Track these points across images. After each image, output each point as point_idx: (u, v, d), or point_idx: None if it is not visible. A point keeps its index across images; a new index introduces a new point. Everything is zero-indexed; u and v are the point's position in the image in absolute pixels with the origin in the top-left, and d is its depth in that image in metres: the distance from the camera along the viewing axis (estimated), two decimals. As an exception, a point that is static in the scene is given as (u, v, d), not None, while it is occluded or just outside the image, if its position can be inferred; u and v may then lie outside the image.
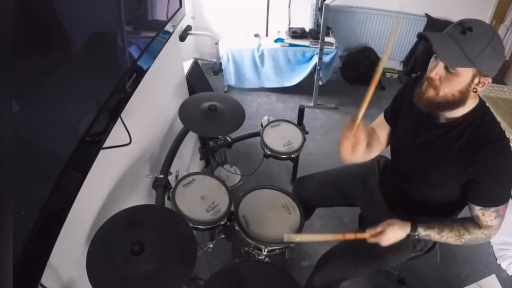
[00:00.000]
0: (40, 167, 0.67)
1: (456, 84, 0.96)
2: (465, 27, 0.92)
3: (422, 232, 1.09)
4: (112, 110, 0.92)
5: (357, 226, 1.65)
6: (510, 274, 1.91)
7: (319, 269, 1.34)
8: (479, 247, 2.05)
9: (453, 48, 0.92)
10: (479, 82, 0.95)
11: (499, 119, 2.10)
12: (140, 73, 1.10)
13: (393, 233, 1.09)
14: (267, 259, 1.25)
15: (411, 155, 1.18)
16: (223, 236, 1.41)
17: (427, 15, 3.45)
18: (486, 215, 1.03)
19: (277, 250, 1.21)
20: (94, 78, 0.86)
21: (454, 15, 3.45)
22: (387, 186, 1.32)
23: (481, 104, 1.03)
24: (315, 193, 1.50)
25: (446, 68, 0.95)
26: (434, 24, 3.43)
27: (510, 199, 1.07)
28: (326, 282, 1.34)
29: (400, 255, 1.26)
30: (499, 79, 3.70)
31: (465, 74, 0.94)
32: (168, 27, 1.39)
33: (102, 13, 0.87)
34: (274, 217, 1.19)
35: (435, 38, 0.95)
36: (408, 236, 1.10)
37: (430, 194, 1.16)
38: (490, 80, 0.96)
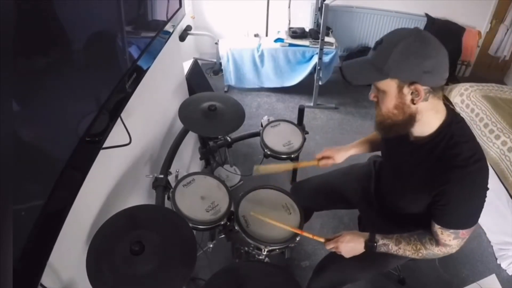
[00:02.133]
0: (40, 167, 0.67)
1: (389, 101, 0.93)
2: (377, 42, 0.92)
3: (380, 241, 1.08)
4: (112, 110, 0.92)
5: (357, 227, 1.65)
6: (510, 274, 1.91)
7: (321, 272, 1.33)
8: (479, 247, 2.05)
9: (365, 67, 0.92)
10: (411, 92, 0.89)
11: (498, 119, 2.10)
12: (140, 73, 1.10)
13: (351, 239, 1.10)
14: (267, 259, 1.25)
15: (389, 169, 1.21)
16: (223, 236, 1.41)
17: (427, 15, 3.46)
18: (445, 235, 1.00)
19: (277, 250, 1.21)
20: (94, 78, 0.86)
21: (454, 15, 3.45)
22: (381, 190, 1.32)
23: (449, 122, 0.95)
24: (312, 198, 1.49)
25: (376, 88, 0.95)
26: (434, 24, 3.43)
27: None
28: (327, 285, 1.33)
29: (401, 258, 1.26)
30: (499, 79, 3.70)
31: (389, 87, 0.91)
32: (168, 27, 1.39)
33: (102, 13, 0.87)
34: (274, 217, 1.19)
35: (348, 64, 0.98)
36: (366, 245, 1.09)
37: (409, 209, 1.12)
38: (420, 88, 0.88)
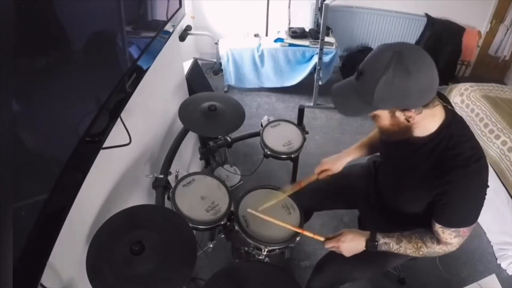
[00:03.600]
0: (40, 167, 0.67)
1: (384, 122, 0.97)
2: (359, 71, 0.92)
3: (381, 239, 1.08)
4: (112, 110, 0.92)
5: (357, 227, 1.65)
6: (510, 274, 1.91)
7: (320, 271, 1.33)
8: (479, 247, 2.05)
9: (352, 99, 0.93)
10: (404, 114, 0.92)
11: (499, 119, 2.10)
12: (140, 73, 1.10)
13: (352, 238, 1.10)
14: (267, 259, 1.25)
15: (388, 169, 1.21)
16: (223, 236, 1.41)
17: (427, 15, 3.46)
18: (446, 233, 1.01)
19: (277, 250, 1.21)
20: (94, 78, 0.86)
21: (454, 15, 3.45)
22: (381, 188, 1.32)
23: (447, 124, 0.96)
24: (312, 198, 1.49)
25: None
26: (434, 24, 3.43)
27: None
28: (327, 284, 1.33)
29: (401, 257, 1.26)
30: (499, 79, 3.70)
31: (381, 113, 0.95)
32: (168, 27, 1.39)
33: (102, 13, 0.87)
34: (274, 217, 1.19)
35: (337, 94, 0.99)
36: (367, 244, 1.09)
37: (409, 209, 1.13)
38: (411, 112, 0.90)
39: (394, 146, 1.10)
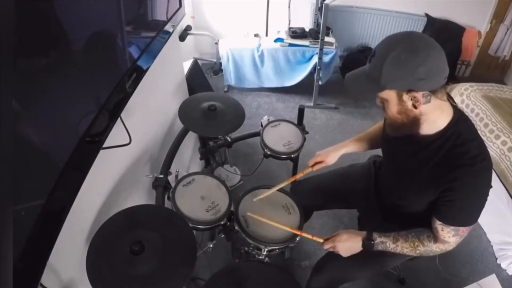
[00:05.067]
0: (40, 167, 0.67)
1: (392, 107, 0.97)
2: (372, 54, 0.94)
3: (377, 239, 1.09)
4: (112, 110, 0.92)
5: (357, 227, 1.65)
6: (510, 274, 1.91)
7: (319, 271, 1.33)
8: (479, 247, 2.05)
9: (364, 82, 0.95)
10: (411, 98, 0.92)
11: (499, 119, 2.10)
12: (140, 73, 1.10)
13: (348, 238, 1.11)
14: (267, 259, 1.25)
15: (391, 168, 1.21)
16: (223, 236, 1.41)
17: (427, 15, 3.46)
18: (445, 231, 1.01)
19: (277, 250, 1.21)
20: (94, 78, 0.86)
21: (454, 15, 3.45)
22: (381, 188, 1.32)
23: (456, 121, 0.97)
24: (312, 197, 1.49)
25: (379, 96, 0.98)
26: (434, 24, 3.43)
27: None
28: (325, 284, 1.33)
29: (400, 257, 1.26)
30: (499, 79, 3.70)
31: (389, 96, 0.95)
32: (168, 27, 1.39)
33: (102, 13, 0.87)
34: (274, 217, 1.19)
35: (348, 78, 1.00)
36: (363, 244, 1.10)
37: (410, 208, 1.14)
38: (418, 94, 0.89)
39: (399, 145, 1.10)
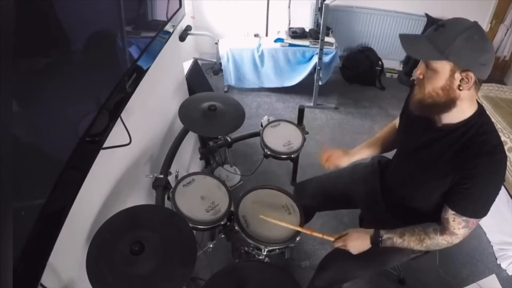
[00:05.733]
0: (40, 167, 0.67)
1: (437, 81, 0.95)
2: (439, 25, 0.94)
3: (384, 235, 1.10)
4: (112, 110, 0.92)
5: (357, 227, 1.65)
6: (510, 274, 1.91)
7: (321, 270, 1.34)
8: (479, 247, 2.05)
9: (424, 45, 0.94)
10: (462, 78, 0.93)
11: (498, 119, 2.10)
12: (140, 73, 1.10)
13: (358, 237, 1.13)
14: (267, 259, 1.25)
15: (406, 159, 1.20)
16: (223, 236, 1.41)
17: (427, 15, 3.46)
18: (456, 222, 1.02)
19: (277, 250, 1.21)
20: (94, 78, 0.86)
21: (454, 15, 3.39)
22: (388, 188, 1.32)
23: (480, 112, 1.01)
24: (315, 198, 1.49)
25: (427, 66, 0.96)
26: (434, 24, 3.43)
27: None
28: (328, 283, 1.34)
29: (402, 256, 1.26)
30: (499, 79, 3.70)
31: (442, 68, 0.93)
32: (168, 27, 1.39)
33: (102, 13, 0.87)
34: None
35: (407, 38, 0.99)
36: (372, 241, 1.11)
37: (421, 203, 1.15)
38: (471, 75, 0.91)
39: (418, 134, 1.11)
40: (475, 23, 0.92)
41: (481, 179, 0.97)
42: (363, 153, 1.37)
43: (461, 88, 0.93)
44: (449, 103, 0.97)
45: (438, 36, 0.93)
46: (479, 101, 1.04)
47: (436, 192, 1.07)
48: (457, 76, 0.93)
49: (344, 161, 1.34)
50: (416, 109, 1.03)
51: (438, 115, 1.02)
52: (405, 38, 0.98)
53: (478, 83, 0.94)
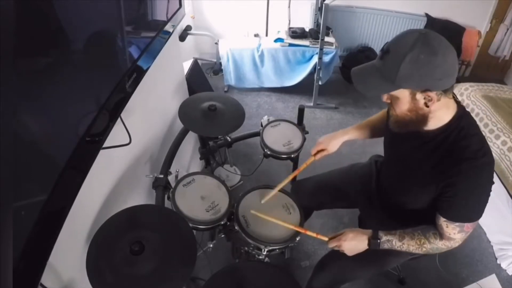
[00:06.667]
0: (40, 167, 0.67)
1: (402, 105, 0.96)
2: (384, 51, 0.92)
3: (383, 237, 1.08)
4: (112, 110, 0.92)
5: (357, 226, 1.65)
6: (510, 274, 1.91)
7: (320, 270, 1.33)
8: (479, 247, 2.05)
9: (374, 79, 0.93)
10: (424, 97, 0.91)
11: (499, 118, 2.10)
12: (140, 73, 1.10)
13: (353, 237, 1.10)
14: (267, 259, 1.25)
15: (393, 166, 1.20)
16: (223, 236, 1.41)
17: (427, 15, 3.46)
18: (450, 228, 1.01)
19: (277, 250, 1.21)
20: (94, 78, 0.86)
21: (454, 15, 3.45)
22: (383, 189, 1.32)
23: (460, 115, 0.98)
24: (313, 197, 1.49)
25: (389, 94, 0.97)
26: (434, 24, 3.43)
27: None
28: (327, 283, 1.33)
29: (402, 256, 1.26)
30: (499, 79, 3.70)
31: (402, 94, 0.93)
32: (168, 27, 1.39)
33: (102, 13, 0.87)
34: (277, 217, 1.19)
35: (358, 73, 0.98)
36: (369, 242, 1.09)
37: (413, 205, 1.14)
38: (433, 93, 0.90)
39: (402, 141, 1.10)
40: (421, 35, 0.86)
41: (463, 185, 0.95)
42: (351, 134, 1.34)
43: (427, 105, 0.93)
44: (422, 119, 0.97)
45: (385, 65, 0.92)
46: (458, 100, 1.01)
47: (425, 197, 1.06)
48: (419, 96, 0.92)
49: (333, 144, 1.31)
50: (394, 127, 1.05)
51: (417, 129, 1.02)
52: (356, 75, 0.98)
53: (446, 91, 0.92)
